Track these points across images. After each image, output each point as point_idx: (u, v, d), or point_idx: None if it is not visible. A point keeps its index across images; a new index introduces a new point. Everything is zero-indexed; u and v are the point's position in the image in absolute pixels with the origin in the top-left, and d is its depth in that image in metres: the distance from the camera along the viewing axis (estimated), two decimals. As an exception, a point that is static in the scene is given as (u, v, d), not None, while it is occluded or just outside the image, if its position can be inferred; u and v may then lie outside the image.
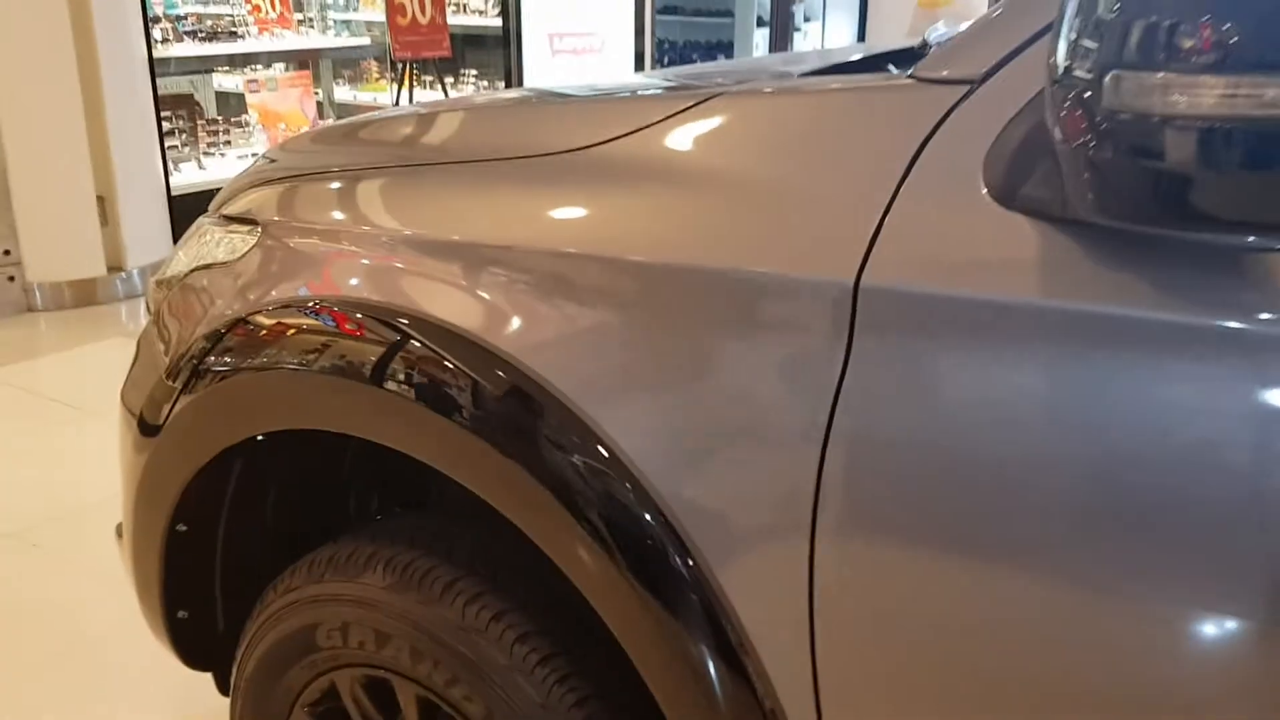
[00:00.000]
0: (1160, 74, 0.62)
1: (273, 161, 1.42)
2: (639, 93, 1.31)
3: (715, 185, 0.96)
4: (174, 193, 4.91)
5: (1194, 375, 0.72)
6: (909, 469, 0.81)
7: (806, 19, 9.46)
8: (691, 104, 1.03)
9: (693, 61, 9.84)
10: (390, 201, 1.20)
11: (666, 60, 9.54)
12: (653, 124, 1.04)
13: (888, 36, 7.90)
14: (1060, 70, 0.70)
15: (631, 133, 1.04)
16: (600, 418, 0.94)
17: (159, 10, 5.40)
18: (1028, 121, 0.80)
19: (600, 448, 0.94)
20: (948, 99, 0.85)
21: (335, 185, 1.26)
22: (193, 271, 1.32)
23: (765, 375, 0.88)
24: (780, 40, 8.82)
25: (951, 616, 0.80)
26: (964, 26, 1.14)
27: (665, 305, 0.93)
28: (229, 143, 5.57)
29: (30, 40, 4.23)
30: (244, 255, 1.25)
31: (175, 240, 4.57)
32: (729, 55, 9.60)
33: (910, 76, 0.91)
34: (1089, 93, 0.67)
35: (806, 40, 9.18)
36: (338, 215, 1.21)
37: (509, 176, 1.11)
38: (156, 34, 5.16)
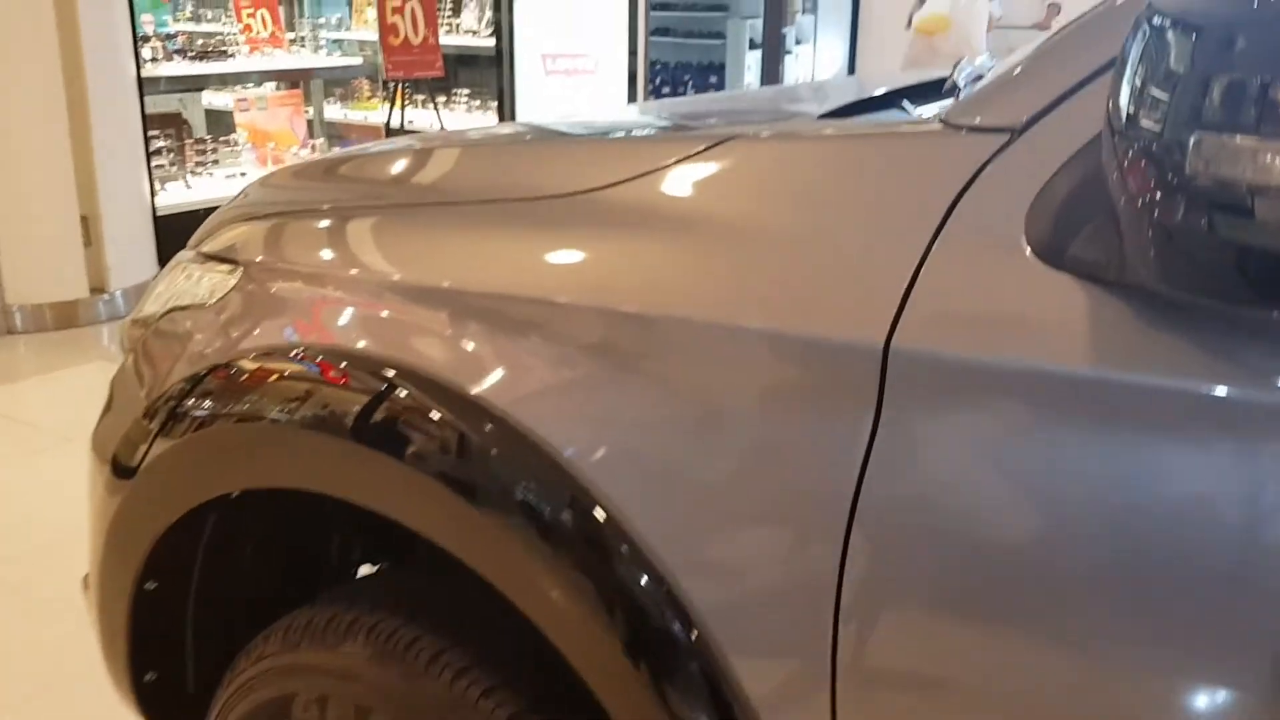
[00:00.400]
0: (1254, 139, 0.55)
1: (255, 196, 1.36)
2: (646, 132, 1.25)
3: (730, 236, 0.89)
4: (160, 213, 4.83)
5: (1262, 459, 0.66)
6: (945, 548, 0.75)
7: (798, 42, 9.46)
8: (704, 147, 0.97)
9: (685, 83, 9.84)
10: (378, 244, 1.13)
11: (659, 81, 9.54)
12: (662, 167, 0.97)
13: (879, 61, 7.88)
14: (1124, 119, 0.64)
15: (639, 176, 0.98)
16: (600, 480, 0.87)
17: (149, 29, 5.34)
18: (1076, 174, 0.74)
19: (599, 513, 0.87)
20: (985, 149, 0.79)
21: (320, 225, 1.19)
22: (170, 311, 1.24)
23: (785, 442, 0.81)
24: (772, 63, 8.81)
25: (999, 704, 0.74)
26: (995, 67, 1.09)
27: (673, 363, 0.87)
28: (217, 162, 5.50)
29: (16, 59, 4.16)
30: (223, 297, 1.17)
31: (161, 262, 4.49)
32: (720, 77, 9.61)
33: (942, 123, 0.85)
34: (1160, 149, 0.60)
35: (798, 63, 9.17)
36: (322, 258, 1.14)
37: (506, 220, 1.04)
38: (146, 53, 5.09)
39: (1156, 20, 0.62)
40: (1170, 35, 0.61)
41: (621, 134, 1.26)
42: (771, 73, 8.83)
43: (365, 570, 1.46)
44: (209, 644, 1.29)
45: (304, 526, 1.33)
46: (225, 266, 1.21)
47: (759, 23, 9.04)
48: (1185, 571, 0.67)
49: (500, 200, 1.06)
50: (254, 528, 1.27)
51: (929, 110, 1.31)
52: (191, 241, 1.35)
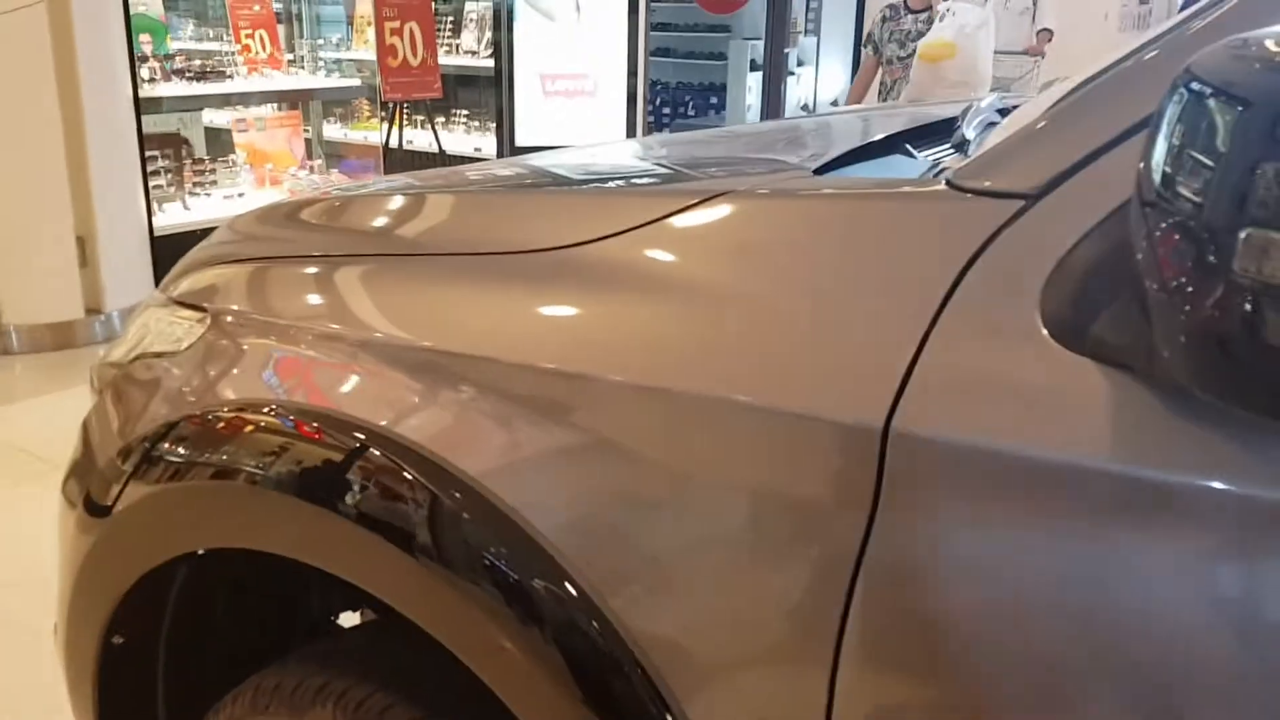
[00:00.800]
0: None
1: (224, 239, 1.32)
2: (636, 182, 1.20)
3: (720, 301, 0.84)
4: (157, 234, 4.80)
5: None
6: (950, 656, 0.69)
7: (800, 64, 9.44)
8: (694, 202, 0.92)
9: (685, 103, 9.82)
10: (348, 296, 1.08)
11: (659, 102, 9.51)
12: (650, 223, 0.93)
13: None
14: (1155, 194, 0.59)
15: (625, 231, 0.93)
16: (576, 558, 0.83)
17: (148, 49, 5.31)
18: (1097, 248, 0.69)
19: (570, 589, 0.83)
20: (996, 215, 0.75)
21: (289, 274, 1.15)
22: (139, 358, 1.20)
23: (773, 530, 0.76)
24: (773, 85, 8.79)
25: None
26: (1006, 120, 1.04)
27: (658, 436, 0.82)
28: (215, 183, 5.47)
29: (12, 79, 4.14)
30: (190, 347, 1.13)
31: (158, 283, 4.46)
32: (721, 98, 9.59)
33: (949, 184, 0.81)
34: (1201, 234, 0.55)
35: (800, 85, 9.15)
36: (292, 309, 1.10)
37: (487, 275, 0.99)
38: (144, 73, 5.07)
39: (1196, 86, 0.58)
40: (1213, 106, 0.56)
41: (612, 182, 1.22)
42: (773, 95, 8.81)
43: (347, 618, 1.42)
44: (181, 698, 1.25)
45: (279, 574, 1.29)
46: (193, 314, 1.17)
47: (760, 44, 9.03)
48: (1208, 679, 0.62)
49: (481, 253, 1.02)
50: (227, 577, 1.22)
51: (936, 156, 1.28)
52: (162, 284, 1.32)
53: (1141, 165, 0.61)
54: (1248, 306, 0.54)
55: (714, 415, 0.80)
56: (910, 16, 5.24)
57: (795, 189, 0.95)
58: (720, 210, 0.91)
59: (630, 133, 7.06)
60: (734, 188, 0.94)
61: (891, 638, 0.71)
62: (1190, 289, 0.57)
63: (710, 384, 0.80)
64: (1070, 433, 0.67)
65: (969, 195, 0.78)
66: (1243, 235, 0.52)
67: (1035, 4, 6.54)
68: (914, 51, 4.98)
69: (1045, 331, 0.69)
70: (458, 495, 0.88)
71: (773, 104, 8.79)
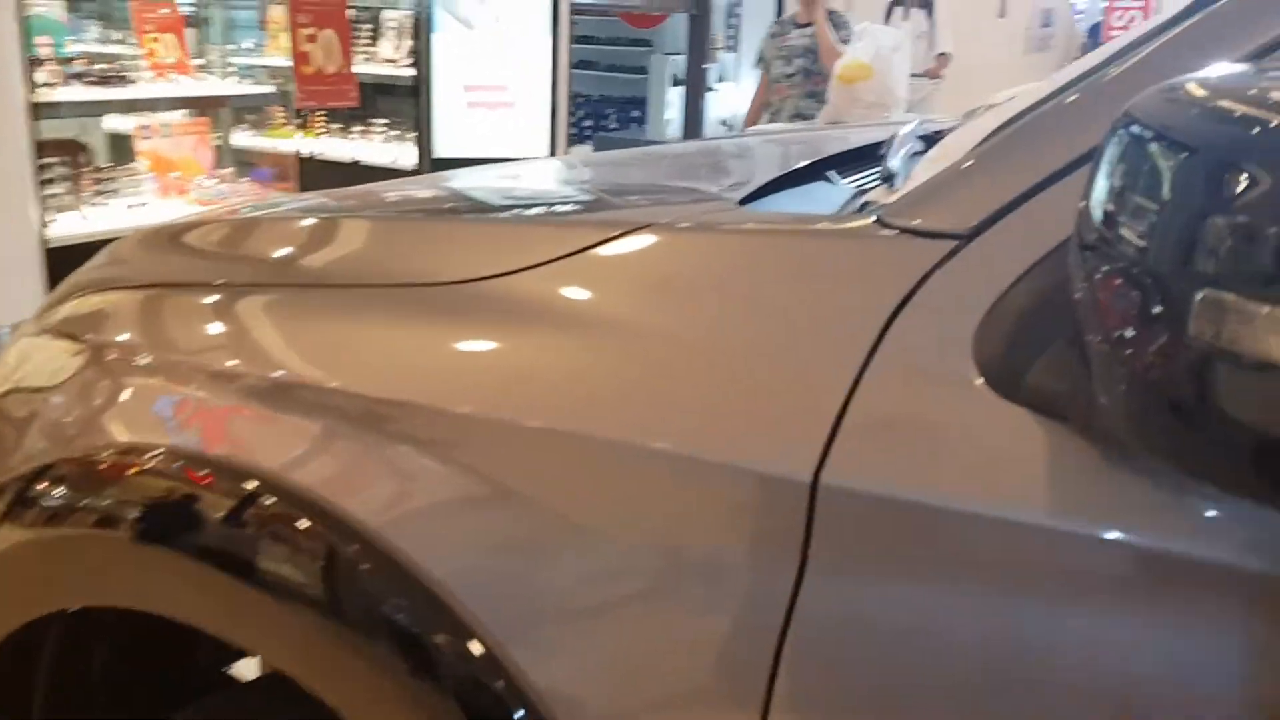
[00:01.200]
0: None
1: (106, 263, 1.23)
2: (555, 209, 1.16)
3: (639, 340, 0.80)
4: (51, 244, 4.58)
5: (1231, 625, 0.59)
6: (884, 715, 0.66)
7: (720, 79, 9.50)
8: (615, 234, 0.88)
9: (607, 117, 9.82)
10: (245, 331, 1.01)
11: (582, 115, 9.48)
12: (567, 255, 0.88)
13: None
14: (1096, 230, 0.56)
15: (541, 264, 0.88)
16: (480, 610, 0.78)
17: (46, 52, 5.09)
18: (1033, 291, 0.66)
19: (475, 647, 0.77)
20: (927, 255, 0.72)
21: (181, 303, 1.07)
22: (9, 392, 1.11)
23: (696, 586, 0.72)
24: (694, 100, 8.83)
25: None
26: (932, 152, 1.02)
27: (571, 483, 0.77)
28: (116, 191, 5.25)
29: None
30: (68, 382, 1.05)
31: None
32: (643, 112, 9.59)
33: (879, 222, 0.77)
34: (1146, 288, 0.52)
35: (720, 101, 9.20)
36: (181, 342, 1.02)
37: (392, 309, 0.93)
38: (42, 77, 4.85)
39: (1136, 130, 0.55)
40: (1153, 150, 0.53)
41: (532, 209, 1.16)
42: (694, 110, 8.85)
43: (243, 664, 1.33)
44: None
45: (163, 624, 1.20)
46: (72, 345, 1.08)
47: (682, 59, 9.06)
48: None
49: (391, 285, 0.96)
50: (105, 633, 1.13)
51: (859, 183, 1.25)
52: (38, 310, 1.23)
53: (1081, 207, 0.59)
54: (1196, 367, 0.51)
55: (631, 462, 0.75)
56: (797, 31, 5.03)
57: (720, 222, 0.91)
58: (642, 243, 0.87)
59: (553, 145, 7.02)
60: (656, 219, 0.90)
61: (823, 698, 0.68)
62: (1134, 341, 0.54)
63: (629, 430, 0.76)
64: (1004, 485, 0.64)
65: (900, 234, 0.75)
66: (1198, 297, 0.49)
67: (932, 28, 6.64)
68: (801, 69, 4.87)
69: (979, 379, 0.67)
70: (357, 547, 0.82)
71: (693, 119, 8.84)
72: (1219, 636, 0.59)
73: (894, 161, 1.03)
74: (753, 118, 5.47)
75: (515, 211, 1.17)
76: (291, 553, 0.84)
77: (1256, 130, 0.48)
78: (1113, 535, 0.60)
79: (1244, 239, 0.48)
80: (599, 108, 9.92)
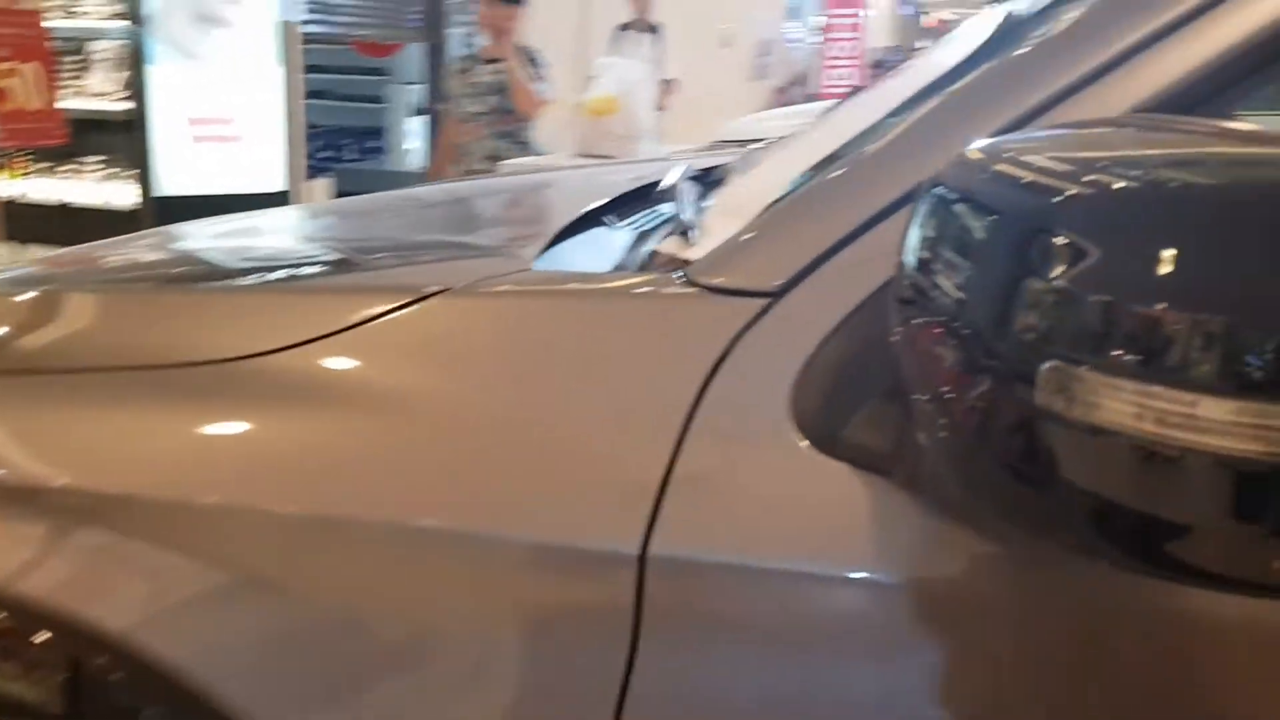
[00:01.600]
0: (1147, 385, 0.46)
1: None
2: (320, 271, 1.07)
3: (437, 417, 0.75)
4: None
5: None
6: None
7: (462, 108, 9.41)
8: (401, 303, 0.82)
9: (343, 148, 9.50)
10: None
11: (319, 146, 9.13)
12: (346, 329, 0.81)
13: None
14: (911, 282, 0.57)
15: (316, 340, 0.81)
16: (257, 713, 0.72)
17: None
18: (847, 346, 0.68)
19: None
20: (739, 315, 0.72)
21: None
22: None
23: (518, 677, 0.69)
24: (435, 130, 8.71)
25: None
26: (723, 199, 1.03)
27: (362, 576, 0.72)
28: None
29: None
30: None
31: None
32: (383, 142, 9.34)
33: (685, 280, 0.77)
34: (964, 339, 0.53)
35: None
36: None
37: (134, 395, 0.84)
38: None
39: (944, 192, 0.57)
40: (963, 214, 0.55)
41: (295, 271, 1.07)
42: (435, 139, 8.74)
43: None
44: None
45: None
46: None
47: (421, 88, 8.91)
48: None
49: (130, 368, 0.86)
50: None
51: (638, 228, 1.25)
52: None
53: (898, 264, 0.60)
54: (1010, 424, 0.53)
55: (438, 550, 0.71)
56: (486, 67, 4.50)
57: (518, 286, 0.87)
58: (433, 312, 0.82)
59: (290, 178, 6.73)
60: (445, 283, 0.85)
61: None
62: (953, 397, 0.56)
63: (430, 513, 0.71)
64: (830, 543, 0.65)
65: (709, 293, 0.74)
66: (1041, 370, 0.50)
67: (658, 55, 6.73)
68: (493, 108, 4.40)
69: (799, 437, 0.67)
70: (104, 657, 0.73)
71: (436, 149, 8.72)
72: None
73: (687, 212, 1.03)
74: (440, 161, 4.85)
75: (283, 276, 1.07)
76: (25, 670, 0.74)
77: (1058, 199, 0.50)
78: (940, 587, 0.62)
79: (1054, 303, 0.50)
80: (335, 139, 9.57)
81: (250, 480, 0.76)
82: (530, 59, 4.40)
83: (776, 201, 0.79)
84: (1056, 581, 0.61)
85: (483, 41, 4.59)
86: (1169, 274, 0.45)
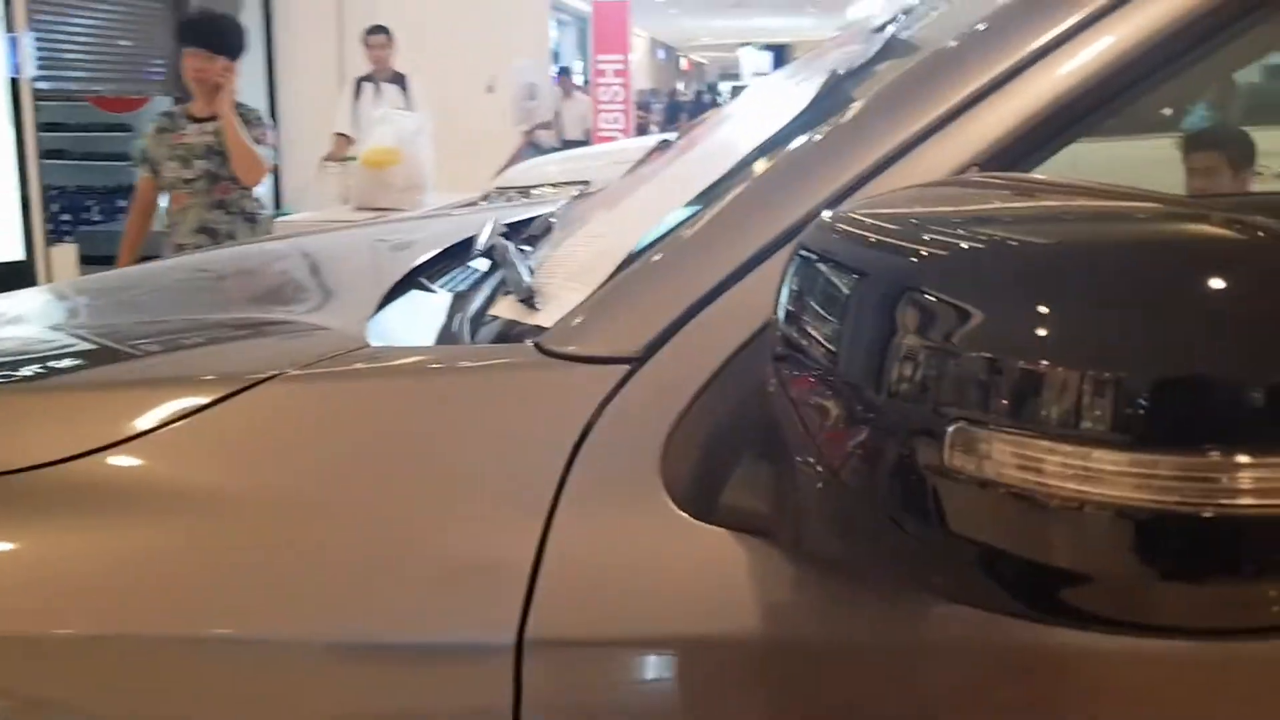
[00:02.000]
0: (1020, 436, 0.48)
1: None
2: (110, 357, 0.96)
3: (274, 516, 0.69)
4: None
5: None
6: None
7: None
8: (224, 394, 0.74)
9: (88, 209, 8.84)
10: None
11: (60, 208, 8.44)
12: (162, 426, 0.73)
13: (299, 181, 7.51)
14: (783, 336, 0.57)
15: (123, 441, 0.72)
16: None
17: None
18: (715, 407, 0.67)
19: None
20: (600, 383, 0.70)
21: None
22: None
23: None
24: (130, 202, 8.22)
25: None
26: (556, 258, 0.99)
27: (145, 690, 0.66)
28: None
29: None
30: None
31: None
32: (130, 201, 8.71)
33: (540, 350, 0.74)
34: (837, 392, 0.54)
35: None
36: None
37: None
38: None
39: (810, 256, 0.58)
40: (832, 276, 0.56)
41: (79, 361, 0.96)
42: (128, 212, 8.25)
43: None
44: None
45: None
46: None
47: (171, 143, 8.41)
48: None
49: None
50: None
51: (453, 285, 1.21)
52: None
53: (771, 323, 0.60)
54: (886, 478, 0.53)
55: (292, 661, 0.65)
56: (195, 127, 3.76)
57: (364, 366, 0.81)
58: (266, 400, 0.75)
59: (28, 245, 6.21)
60: (276, 366, 0.78)
61: None
62: (829, 454, 0.56)
63: (285, 623, 0.65)
64: (713, 610, 0.64)
65: (568, 363, 0.72)
66: (949, 432, 0.50)
67: (408, 104, 6.32)
68: (205, 173, 3.66)
69: (671, 504, 0.66)
70: None
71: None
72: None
73: (517, 273, 0.99)
74: (133, 237, 3.98)
75: (73, 366, 0.96)
76: None
77: (917, 259, 0.52)
78: (823, 645, 0.62)
79: (928, 360, 0.51)
80: (78, 200, 8.89)
81: (42, 600, 0.67)
82: (248, 119, 3.75)
83: (626, 263, 0.78)
84: (938, 632, 0.62)
85: (190, 98, 3.80)
86: (1018, 328, 0.48)
